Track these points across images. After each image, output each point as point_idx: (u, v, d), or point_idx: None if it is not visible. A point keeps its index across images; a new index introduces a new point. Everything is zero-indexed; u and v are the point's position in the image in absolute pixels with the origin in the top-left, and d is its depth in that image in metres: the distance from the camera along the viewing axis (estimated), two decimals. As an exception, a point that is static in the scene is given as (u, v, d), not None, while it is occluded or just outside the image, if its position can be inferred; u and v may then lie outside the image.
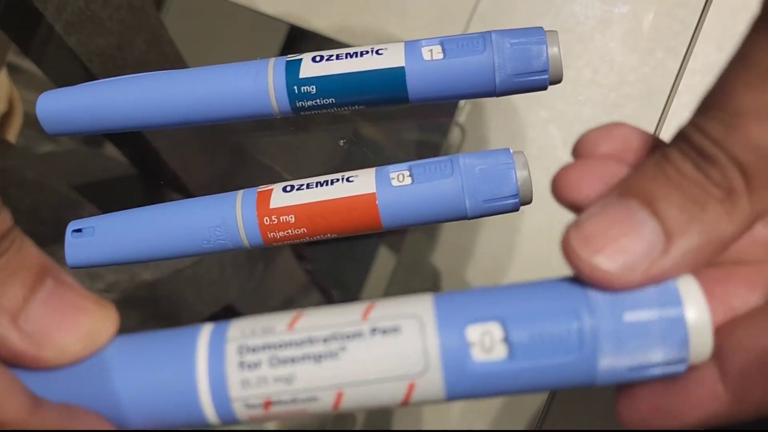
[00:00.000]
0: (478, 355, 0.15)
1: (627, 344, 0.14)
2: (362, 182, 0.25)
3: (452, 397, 0.15)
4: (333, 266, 0.40)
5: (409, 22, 0.38)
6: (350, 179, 0.26)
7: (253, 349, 0.15)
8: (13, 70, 0.41)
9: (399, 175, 0.25)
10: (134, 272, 0.35)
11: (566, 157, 0.19)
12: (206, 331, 0.16)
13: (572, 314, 0.15)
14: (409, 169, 0.25)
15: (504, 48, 0.25)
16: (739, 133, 0.14)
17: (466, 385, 0.15)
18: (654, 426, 0.15)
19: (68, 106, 0.28)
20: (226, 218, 0.26)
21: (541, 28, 0.26)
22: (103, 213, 0.28)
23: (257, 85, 0.27)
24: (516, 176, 0.24)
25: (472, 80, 0.26)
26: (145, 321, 0.35)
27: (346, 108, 0.27)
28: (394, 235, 0.38)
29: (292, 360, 0.15)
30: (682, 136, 0.15)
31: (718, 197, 0.14)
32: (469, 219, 0.25)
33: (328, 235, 0.26)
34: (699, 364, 0.15)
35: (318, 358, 0.15)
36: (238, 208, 0.26)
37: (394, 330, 0.15)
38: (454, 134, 0.37)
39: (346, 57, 0.26)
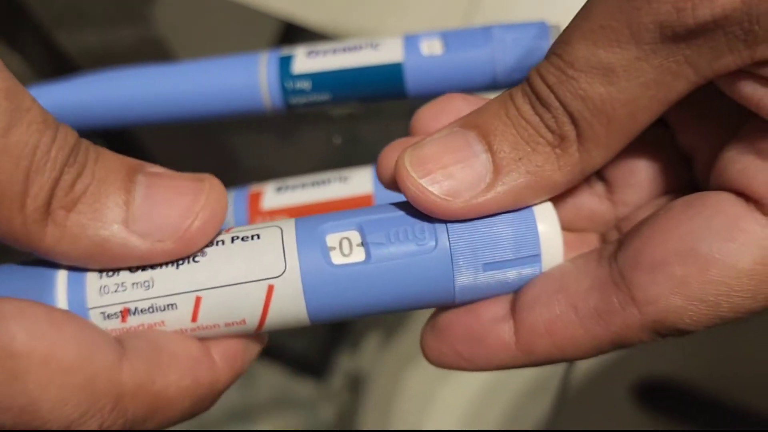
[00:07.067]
0: (336, 258, 0.15)
1: (481, 243, 0.15)
2: (358, 182, 0.25)
3: (313, 304, 0.15)
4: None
5: (409, 13, 0.37)
6: (345, 179, 0.25)
7: None
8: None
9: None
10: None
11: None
12: None
13: (426, 217, 0.15)
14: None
15: (506, 43, 0.24)
16: (571, 83, 0.14)
17: (325, 289, 0.15)
18: (456, 353, 0.16)
19: (52, 102, 0.27)
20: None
21: (544, 22, 0.25)
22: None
23: (249, 81, 0.26)
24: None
25: (473, 76, 0.25)
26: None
27: (341, 104, 0.26)
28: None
29: (152, 266, 0.15)
30: (527, 78, 0.15)
31: (550, 141, 0.15)
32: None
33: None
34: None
35: (177, 263, 0.15)
36: (228, 210, 0.25)
37: (255, 237, 0.15)
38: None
39: (342, 51, 0.25)
